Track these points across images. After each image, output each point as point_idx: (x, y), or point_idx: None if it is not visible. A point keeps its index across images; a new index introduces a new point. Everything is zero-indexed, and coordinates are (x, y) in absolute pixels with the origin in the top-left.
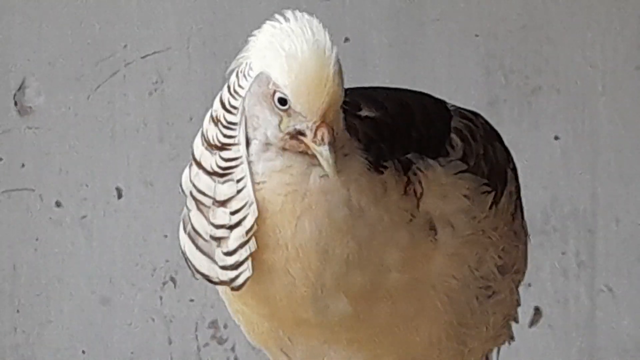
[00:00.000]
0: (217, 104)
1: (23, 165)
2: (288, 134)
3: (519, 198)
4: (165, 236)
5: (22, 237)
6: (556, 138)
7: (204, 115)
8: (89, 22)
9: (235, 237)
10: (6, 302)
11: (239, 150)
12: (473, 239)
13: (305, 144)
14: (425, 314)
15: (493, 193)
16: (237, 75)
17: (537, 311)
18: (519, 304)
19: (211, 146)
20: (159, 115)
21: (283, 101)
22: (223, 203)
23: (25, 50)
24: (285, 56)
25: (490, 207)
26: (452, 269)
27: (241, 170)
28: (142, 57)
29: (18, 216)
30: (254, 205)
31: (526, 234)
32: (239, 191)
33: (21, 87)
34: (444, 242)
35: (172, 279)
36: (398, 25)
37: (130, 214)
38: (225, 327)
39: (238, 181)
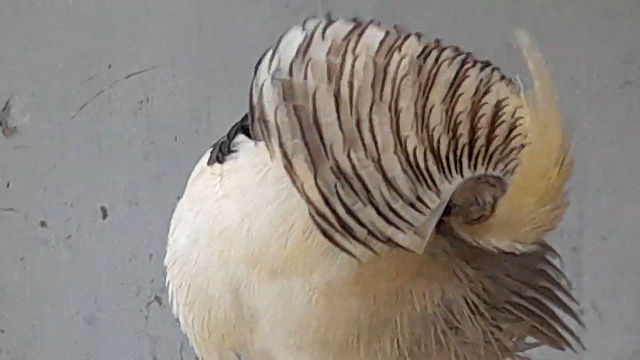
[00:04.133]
0: None
1: (8, 185)
2: None
3: None
4: (151, 255)
5: (7, 257)
6: None
7: (189, 134)
8: (74, 41)
9: None
10: None
11: None
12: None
13: None
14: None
15: None
16: None
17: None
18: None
19: None
20: (145, 134)
21: None
22: None
23: (10, 69)
24: None
25: None
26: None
27: None
28: (127, 77)
29: (3, 236)
30: None
31: None
32: None
33: (6, 107)
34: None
35: (157, 298)
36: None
37: (116, 233)
38: None
39: None
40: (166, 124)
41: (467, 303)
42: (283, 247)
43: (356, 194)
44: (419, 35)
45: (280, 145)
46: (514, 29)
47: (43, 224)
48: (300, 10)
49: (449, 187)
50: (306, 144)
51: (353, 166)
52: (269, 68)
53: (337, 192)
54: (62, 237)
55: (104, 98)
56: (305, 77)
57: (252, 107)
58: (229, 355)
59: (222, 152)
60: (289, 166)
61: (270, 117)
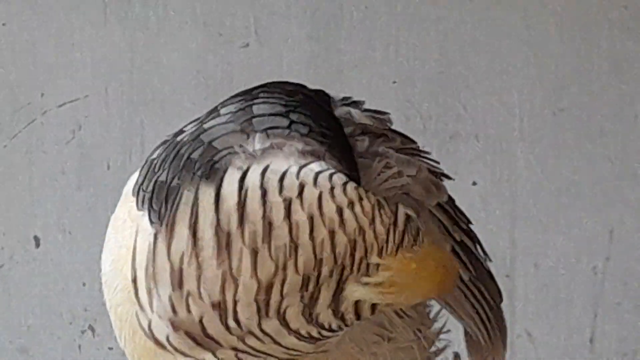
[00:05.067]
0: None
1: None
2: None
3: None
4: (84, 284)
5: None
6: (474, 184)
7: (122, 162)
8: (5, 70)
9: None
10: None
11: None
12: None
13: None
14: None
15: None
16: None
17: (457, 357)
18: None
19: None
20: (77, 163)
21: None
22: None
23: None
24: None
25: None
26: None
27: None
28: (60, 106)
29: None
30: None
31: None
32: None
33: None
34: None
35: (91, 328)
36: (316, 72)
37: (49, 262)
38: None
39: None
40: (99, 153)
41: (395, 312)
42: None
43: (257, 356)
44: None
45: (175, 349)
46: (444, 58)
47: None
48: (234, 38)
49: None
50: (202, 347)
51: (252, 347)
52: (150, 305)
53: (238, 358)
54: None
55: (36, 127)
56: (189, 311)
57: (141, 326)
58: None
59: (142, 190)
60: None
61: (164, 342)
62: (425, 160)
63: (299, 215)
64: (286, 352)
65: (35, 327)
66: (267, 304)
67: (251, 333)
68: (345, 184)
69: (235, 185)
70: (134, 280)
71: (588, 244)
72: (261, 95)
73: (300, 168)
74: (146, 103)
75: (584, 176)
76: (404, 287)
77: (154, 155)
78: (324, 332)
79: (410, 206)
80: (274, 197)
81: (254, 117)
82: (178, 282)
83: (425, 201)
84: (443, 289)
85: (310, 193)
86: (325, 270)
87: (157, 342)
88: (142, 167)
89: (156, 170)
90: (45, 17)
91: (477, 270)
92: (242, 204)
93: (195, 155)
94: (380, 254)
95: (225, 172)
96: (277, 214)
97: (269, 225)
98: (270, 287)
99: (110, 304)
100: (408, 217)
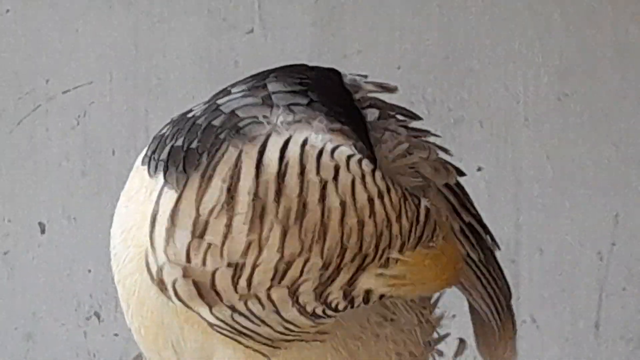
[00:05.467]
0: None
1: None
2: None
3: None
4: (89, 271)
5: None
6: (479, 169)
7: (127, 149)
8: (10, 56)
9: None
10: None
11: None
12: None
13: None
14: None
15: None
16: None
17: (462, 342)
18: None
19: None
20: (82, 149)
21: None
22: None
23: None
24: None
25: None
26: None
27: None
28: (64, 92)
29: None
30: None
31: None
32: None
33: None
34: None
35: (96, 314)
36: (320, 57)
37: (54, 249)
38: None
39: None
40: (104, 139)
41: None
42: None
43: (252, 321)
44: None
45: (176, 295)
46: (448, 43)
47: None
48: (238, 24)
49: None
50: (202, 299)
51: (250, 311)
52: (165, 248)
53: (233, 319)
54: (0, 252)
55: (41, 113)
56: (204, 263)
57: (149, 269)
58: (166, 353)
59: (153, 159)
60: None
61: (169, 286)
62: (436, 146)
63: (333, 200)
64: (282, 325)
65: (40, 314)
66: (284, 275)
67: (256, 297)
68: (373, 171)
69: (277, 155)
70: (153, 220)
71: (593, 229)
72: (273, 75)
73: (334, 149)
74: (150, 89)
75: (589, 161)
76: (415, 282)
77: (163, 131)
78: (329, 312)
79: (419, 183)
80: (312, 176)
81: (272, 93)
82: (201, 231)
83: (434, 180)
84: (449, 283)
85: (344, 177)
86: (347, 257)
87: (162, 285)
88: (151, 142)
89: (167, 141)
90: (50, 3)
91: (485, 255)
92: (282, 176)
93: (216, 122)
94: (401, 249)
95: (269, 136)
96: (313, 195)
97: (303, 206)
98: (291, 262)
99: (118, 277)
100: (428, 212)
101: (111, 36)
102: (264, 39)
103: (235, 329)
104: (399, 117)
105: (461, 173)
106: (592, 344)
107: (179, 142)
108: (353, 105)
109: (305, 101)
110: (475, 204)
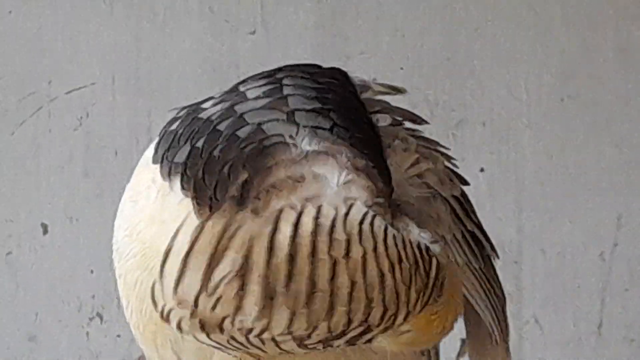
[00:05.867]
0: None
1: None
2: None
3: None
4: (92, 272)
5: None
6: (482, 170)
7: (129, 150)
8: (12, 57)
9: None
10: None
11: None
12: None
13: None
14: None
15: None
16: None
17: (464, 343)
18: None
19: None
20: (84, 151)
21: None
22: None
23: None
24: None
25: None
26: None
27: None
28: (67, 93)
29: None
30: None
31: None
32: None
33: None
34: None
35: (99, 315)
36: (323, 59)
37: (56, 249)
38: None
39: None
40: (106, 140)
41: None
42: None
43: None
44: None
45: (178, 327)
46: (451, 44)
47: None
48: (240, 26)
49: None
50: (203, 330)
51: (250, 343)
52: (174, 289)
53: (229, 343)
54: (2, 254)
55: (43, 114)
56: (214, 310)
57: (153, 298)
58: (165, 352)
59: (166, 159)
60: None
61: (173, 322)
62: (443, 155)
63: (342, 280)
64: (281, 352)
65: (43, 315)
66: (292, 338)
67: (261, 340)
68: (385, 233)
69: (289, 233)
70: (166, 254)
71: (595, 231)
72: (287, 82)
73: (347, 213)
74: (153, 90)
75: (591, 162)
76: (419, 338)
77: (174, 127)
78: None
79: (426, 195)
80: (322, 255)
81: (295, 110)
82: (212, 289)
83: (439, 190)
84: (449, 331)
85: (356, 252)
86: (353, 326)
87: (166, 318)
88: (161, 138)
89: (181, 141)
90: (52, 4)
91: (485, 264)
92: (292, 259)
93: (241, 133)
94: (406, 317)
95: (281, 212)
96: (322, 277)
97: (312, 287)
98: (299, 335)
99: (119, 272)
100: (439, 268)
101: (113, 37)
102: (266, 40)
103: (231, 348)
104: (407, 123)
105: (465, 182)
106: (595, 345)
107: (198, 145)
108: (367, 117)
109: (328, 125)
110: (477, 207)
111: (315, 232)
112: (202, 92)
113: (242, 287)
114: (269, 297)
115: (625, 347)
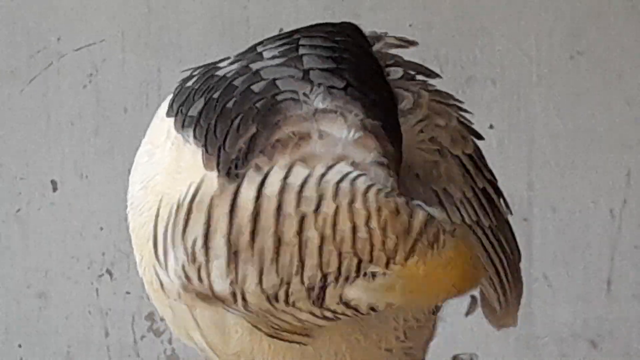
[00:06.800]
0: None
1: None
2: None
3: None
4: (101, 229)
5: None
6: (491, 127)
7: (139, 107)
8: (21, 15)
9: None
10: None
11: None
12: None
13: None
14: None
15: None
16: None
17: (474, 299)
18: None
19: None
20: (94, 107)
21: None
22: None
23: None
24: None
25: None
26: None
27: None
28: (76, 50)
29: None
30: None
31: None
32: None
33: None
34: None
35: (109, 272)
36: (332, 15)
37: (66, 207)
38: (162, 319)
39: None
40: (116, 97)
41: None
42: None
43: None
44: None
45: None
46: (460, 1)
47: None
48: None
49: None
50: (207, 302)
51: (250, 310)
52: (166, 265)
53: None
54: (12, 211)
55: (52, 71)
56: (200, 280)
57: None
58: (177, 306)
59: (181, 112)
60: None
61: (173, 294)
62: (457, 108)
63: (311, 234)
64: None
65: (52, 272)
66: (276, 299)
67: (260, 309)
68: (366, 191)
69: (252, 194)
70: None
71: (605, 187)
72: (303, 42)
73: (328, 169)
74: (163, 47)
75: (601, 119)
76: (413, 291)
77: (190, 84)
78: (337, 315)
79: (434, 159)
80: (290, 210)
81: (310, 69)
82: (191, 257)
83: (450, 149)
84: (463, 290)
85: (327, 207)
86: (330, 278)
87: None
88: (177, 93)
89: (196, 96)
90: None
91: (498, 221)
92: (255, 215)
93: (255, 88)
94: (387, 265)
95: (244, 176)
96: (289, 229)
97: (278, 242)
98: (275, 292)
99: (133, 225)
100: (427, 220)
101: None
102: None
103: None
104: (420, 76)
105: (479, 136)
106: (604, 302)
107: (214, 97)
108: (381, 75)
109: (341, 84)
110: (486, 161)
111: (282, 191)
112: (212, 48)
113: (207, 244)
114: (232, 253)
115: (635, 304)
